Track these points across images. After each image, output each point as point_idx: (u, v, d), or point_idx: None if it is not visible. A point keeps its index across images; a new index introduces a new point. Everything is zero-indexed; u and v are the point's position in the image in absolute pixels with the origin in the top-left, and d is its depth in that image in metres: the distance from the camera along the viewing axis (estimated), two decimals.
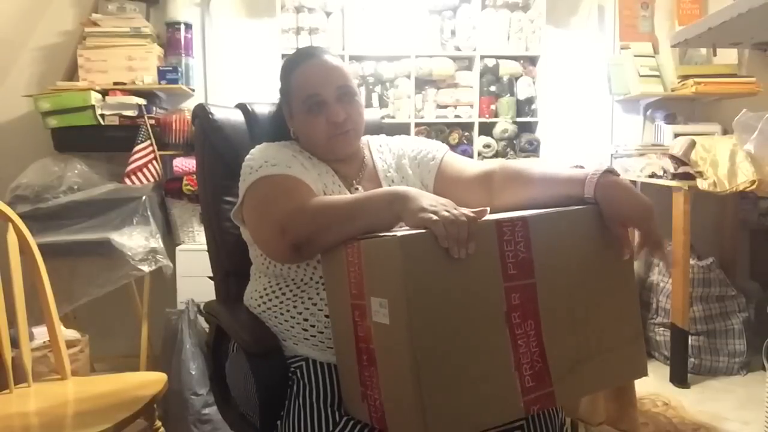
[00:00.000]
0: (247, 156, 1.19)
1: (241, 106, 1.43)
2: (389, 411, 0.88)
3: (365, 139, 1.34)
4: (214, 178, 1.38)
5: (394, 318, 0.82)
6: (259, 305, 1.19)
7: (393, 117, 2.74)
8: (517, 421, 1.00)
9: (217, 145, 1.37)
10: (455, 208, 0.85)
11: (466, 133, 2.78)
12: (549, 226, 0.92)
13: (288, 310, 1.13)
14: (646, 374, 0.99)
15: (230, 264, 1.38)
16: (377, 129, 1.49)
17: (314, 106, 1.18)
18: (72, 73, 2.60)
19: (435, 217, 0.82)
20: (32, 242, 1.54)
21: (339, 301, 0.96)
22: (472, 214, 0.83)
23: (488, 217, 0.87)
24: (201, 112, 1.38)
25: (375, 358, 0.89)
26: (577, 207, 0.96)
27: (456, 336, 0.82)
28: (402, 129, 2.69)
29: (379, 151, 1.32)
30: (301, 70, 1.22)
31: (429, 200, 0.87)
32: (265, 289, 1.19)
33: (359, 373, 0.93)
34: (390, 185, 1.25)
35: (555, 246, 0.91)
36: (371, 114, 1.60)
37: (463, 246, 0.81)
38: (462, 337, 0.83)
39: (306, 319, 1.10)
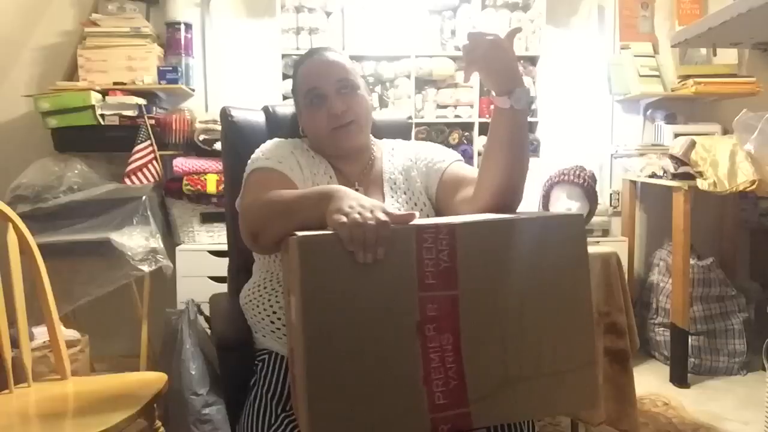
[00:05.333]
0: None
1: (264, 108, 1.49)
2: (297, 413, 0.88)
3: (380, 141, 1.34)
4: (233, 177, 1.42)
5: (297, 318, 0.80)
6: (245, 297, 1.23)
7: None
8: None
9: (236, 145, 1.41)
10: (372, 211, 0.81)
11: (466, 133, 2.78)
12: (483, 236, 0.85)
13: (262, 303, 1.16)
14: (595, 406, 0.93)
15: (241, 260, 1.41)
16: (404, 129, 1.54)
17: (315, 99, 1.20)
18: (72, 73, 2.60)
19: (343, 219, 0.79)
20: (32, 242, 1.54)
21: (284, 298, 0.97)
22: (384, 218, 0.80)
23: (417, 221, 0.83)
24: (222, 114, 1.46)
25: (293, 357, 0.88)
26: (522, 217, 0.90)
27: (357, 343, 0.79)
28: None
29: (390, 154, 1.31)
30: (303, 67, 1.25)
31: (350, 201, 0.84)
32: (255, 282, 1.22)
33: (290, 371, 0.93)
34: (392, 188, 1.24)
35: (488, 258, 0.84)
36: (396, 114, 1.64)
37: (369, 251, 0.78)
38: (364, 344, 0.79)
39: (275, 312, 1.13)
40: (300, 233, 0.81)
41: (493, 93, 1.01)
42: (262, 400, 1.08)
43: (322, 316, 0.78)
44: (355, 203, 0.84)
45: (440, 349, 0.81)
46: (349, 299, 0.79)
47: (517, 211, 1.05)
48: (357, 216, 0.79)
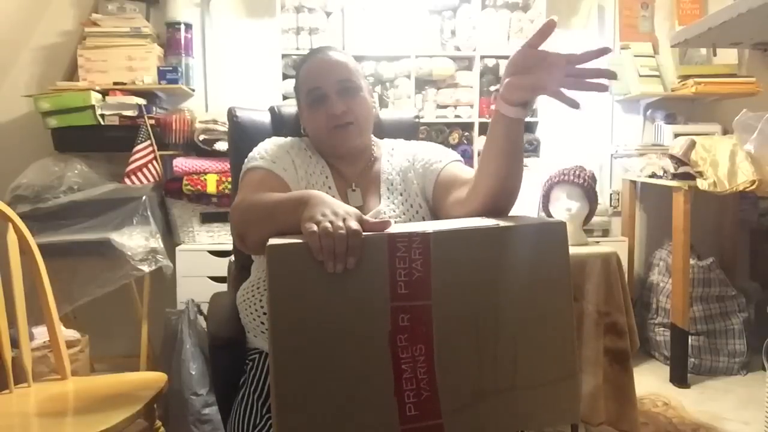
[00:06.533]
0: None
1: (271, 109, 1.51)
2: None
3: (381, 141, 1.34)
4: (237, 176, 1.43)
5: (268, 326, 0.79)
6: (240, 296, 1.23)
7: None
8: None
9: (240, 147, 1.41)
10: (345, 220, 0.80)
11: (466, 133, 2.78)
12: (458, 245, 0.82)
13: (254, 303, 1.16)
14: (575, 420, 0.91)
15: (244, 259, 1.42)
16: (410, 128, 1.54)
17: (315, 99, 1.20)
18: (72, 73, 2.60)
19: (314, 228, 0.78)
20: (32, 242, 1.54)
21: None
22: (356, 227, 0.78)
23: (391, 229, 0.82)
24: (229, 115, 1.50)
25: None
26: (501, 225, 0.86)
27: (326, 353, 0.77)
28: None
29: (390, 154, 1.30)
30: (306, 65, 1.25)
31: (323, 209, 0.83)
32: (251, 282, 1.22)
33: None
34: (389, 189, 1.24)
35: (464, 267, 0.82)
36: (402, 113, 1.65)
37: (340, 261, 0.77)
38: (334, 354, 0.78)
39: (265, 313, 1.13)
40: (272, 240, 0.80)
41: (502, 99, 0.93)
42: (249, 399, 1.09)
43: (290, 326, 0.77)
44: (329, 210, 0.82)
45: (412, 360, 0.79)
46: (319, 308, 0.78)
47: (511, 213, 1.03)
48: (328, 225, 0.78)
